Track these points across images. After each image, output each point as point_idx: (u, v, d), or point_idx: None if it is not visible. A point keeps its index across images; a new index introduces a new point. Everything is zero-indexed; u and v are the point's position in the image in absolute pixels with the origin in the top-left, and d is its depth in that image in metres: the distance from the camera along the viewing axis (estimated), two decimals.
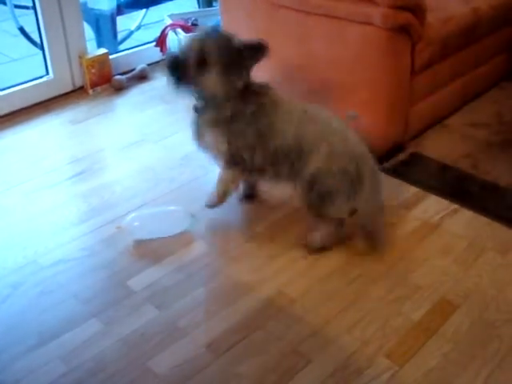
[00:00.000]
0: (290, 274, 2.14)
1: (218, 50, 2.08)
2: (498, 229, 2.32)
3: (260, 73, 3.03)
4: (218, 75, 2.10)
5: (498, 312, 1.96)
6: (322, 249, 2.25)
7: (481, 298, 2.02)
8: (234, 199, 2.54)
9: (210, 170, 2.76)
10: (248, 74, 2.18)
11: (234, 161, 2.24)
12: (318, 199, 2.17)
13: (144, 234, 2.31)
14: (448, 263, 2.17)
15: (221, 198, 2.36)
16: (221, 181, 2.34)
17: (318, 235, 2.26)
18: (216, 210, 2.46)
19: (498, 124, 2.99)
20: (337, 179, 2.13)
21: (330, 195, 2.15)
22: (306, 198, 2.19)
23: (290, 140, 2.15)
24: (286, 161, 2.18)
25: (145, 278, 2.13)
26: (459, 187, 2.55)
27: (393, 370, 1.76)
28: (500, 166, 2.66)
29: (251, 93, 2.20)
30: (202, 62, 2.08)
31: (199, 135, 2.30)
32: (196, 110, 2.26)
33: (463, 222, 2.36)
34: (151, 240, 2.30)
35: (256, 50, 2.13)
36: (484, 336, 1.87)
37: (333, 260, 2.20)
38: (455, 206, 2.44)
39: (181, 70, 2.10)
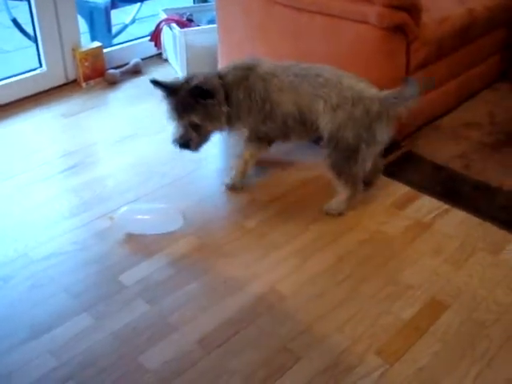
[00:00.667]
0: (281, 271, 2.14)
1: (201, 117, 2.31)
2: (489, 229, 2.33)
3: None
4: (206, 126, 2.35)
5: (488, 312, 1.97)
6: (339, 214, 2.41)
7: (471, 297, 2.02)
8: (226, 196, 2.55)
9: (202, 165, 2.76)
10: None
11: (257, 136, 2.47)
12: (342, 159, 2.30)
13: (136, 229, 2.31)
14: (439, 263, 2.17)
15: (241, 174, 2.56)
16: (241, 158, 2.52)
17: (336, 202, 2.41)
18: (207, 206, 2.48)
19: (490, 125, 3.00)
20: (352, 129, 2.25)
21: (353, 150, 2.28)
22: (332, 160, 2.33)
23: (292, 107, 2.33)
24: (299, 125, 2.37)
25: (136, 272, 2.13)
26: (451, 187, 2.56)
27: (383, 368, 1.77)
28: (492, 166, 2.67)
29: (234, 82, 2.35)
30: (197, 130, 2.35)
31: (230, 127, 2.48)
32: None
33: (455, 221, 2.37)
34: (143, 235, 2.30)
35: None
36: (474, 335, 1.88)
37: (324, 258, 2.20)
38: (447, 206, 2.45)
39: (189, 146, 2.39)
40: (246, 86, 2.35)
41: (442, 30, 2.70)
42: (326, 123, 2.29)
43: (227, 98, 2.34)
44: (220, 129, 2.41)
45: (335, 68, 2.36)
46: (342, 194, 2.40)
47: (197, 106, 2.28)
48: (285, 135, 2.45)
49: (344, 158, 2.30)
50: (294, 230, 2.33)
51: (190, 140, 2.35)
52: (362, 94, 2.27)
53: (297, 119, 2.35)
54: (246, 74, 2.36)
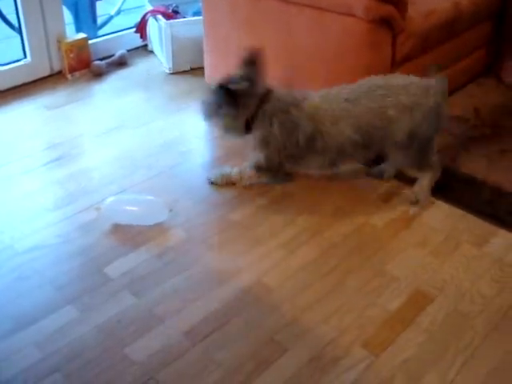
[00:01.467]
0: (267, 264, 2.14)
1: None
2: (474, 222, 2.34)
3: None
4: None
5: (473, 303, 1.98)
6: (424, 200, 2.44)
7: (456, 289, 2.04)
8: (213, 188, 2.54)
9: (188, 158, 2.76)
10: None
11: (270, 166, 2.41)
12: (421, 153, 2.34)
13: (122, 219, 2.30)
14: (424, 255, 2.19)
15: (231, 183, 2.51)
16: (243, 174, 2.48)
17: (421, 188, 2.43)
18: (194, 198, 2.47)
19: (475, 119, 3.02)
20: (428, 122, 2.29)
21: (428, 140, 2.33)
22: (407, 159, 2.36)
23: (353, 134, 2.27)
24: (360, 148, 2.32)
25: (122, 265, 2.12)
26: (437, 180, 2.57)
27: (369, 360, 1.78)
28: (477, 160, 2.68)
29: (278, 108, 2.30)
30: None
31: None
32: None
33: (440, 214, 2.39)
34: (129, 226, 2.29)
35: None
36: (458, 327, 1.90)
37: (310, 250, 2.20)
38: (432, 199, 2.46)
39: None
40: (285, 120, 2.29)
41: (428, 23, 2.70)
42: (403, 126, 2.26)
43: (253, 119, 2.31)
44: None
45: (376, 76, 2.37)
46: (424, 179, 2.42)
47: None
48: (332, 163, 2.39)
49: (422, 151, 2.33)
50: (281, 223, 2.33)
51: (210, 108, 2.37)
52: (423, 85, 2.29)
53: (358, 143, 2.28)
54: (287, 108, 2.29)
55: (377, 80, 2.33)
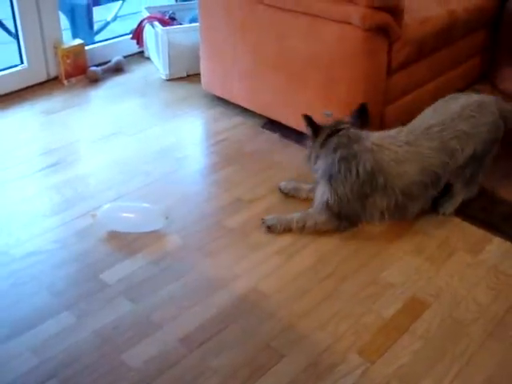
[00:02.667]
0: (263, 270, 2.15)
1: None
2: (469, 229, 2.36)
3: (238, 66, 3.04)
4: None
5: (468, 311, 1.99)
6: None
7: (451, 296, 2.05)
8: (210, 195, 2.55)
9: (184, 164, 2.76)
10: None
11: (337, 208, 2.28)
12: (477, 172, 2.36)
13: (118, 227, 2.30)
14: (420, 262, 2.19)
15: (285, 226, 2.33)
16: (308, 220, 2.32)
17: (453, 204, 2.42)
18: (190, 205, 2.48)
19: None
20: (490, 137, 2.31)
21: (487, 154, 2.34)
22: (468, 181, 2.37)
23: (418, 176, 2.25)
24: (430, 189, 2.30)
25: (118, 271, 2.12)
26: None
27: (364, 367, 1.78)
28: None
29: (342, 143, 2.29)
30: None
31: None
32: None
33: (436, 221, 2.40)
34: (125, 233, 2.29)
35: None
36: (454, 334, 1.90)
37: (306, 257, 2.21)
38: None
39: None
40: (346, 154, 2.26)
41: (424, 31, 2.72)
42: (468, 151, 2.27)
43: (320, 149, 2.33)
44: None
45: (429, 108, 2.40)
46: (459, 196, 2.42)
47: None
48: (400, 207, 2.29)
49: (479, 169, 2.34)
50: None
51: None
52: (475, 103, 2.31)
53: (427, 184, 2.28)
54: (347, 143, 2.27)
55: (428, 114, 2.35)
